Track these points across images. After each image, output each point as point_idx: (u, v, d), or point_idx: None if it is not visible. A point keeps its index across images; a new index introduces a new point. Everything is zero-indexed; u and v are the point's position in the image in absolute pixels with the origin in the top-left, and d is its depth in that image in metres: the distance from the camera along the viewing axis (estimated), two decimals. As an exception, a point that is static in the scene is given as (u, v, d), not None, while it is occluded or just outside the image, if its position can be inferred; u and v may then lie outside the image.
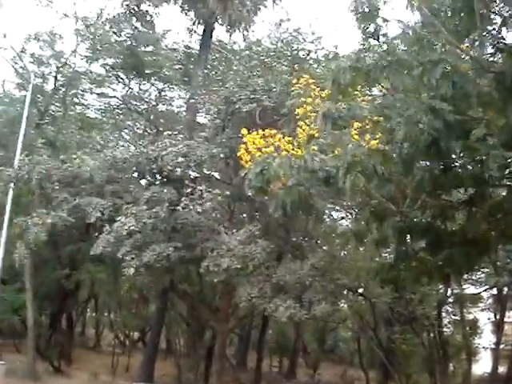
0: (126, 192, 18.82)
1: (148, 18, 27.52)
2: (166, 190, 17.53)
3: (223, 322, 19.95)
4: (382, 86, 8.87)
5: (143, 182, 19.70)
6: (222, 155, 17.82)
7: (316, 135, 8.61)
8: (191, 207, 16.76)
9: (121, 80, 29.70)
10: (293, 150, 8.63)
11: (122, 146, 18.83)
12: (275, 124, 13.33)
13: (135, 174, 19.76)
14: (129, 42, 27.83)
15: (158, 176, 18.80)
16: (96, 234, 17.48)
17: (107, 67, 28.87)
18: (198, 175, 18.30)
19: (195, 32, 27.36)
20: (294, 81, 9.70)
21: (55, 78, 26.66)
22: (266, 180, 8.59)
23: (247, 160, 8.97)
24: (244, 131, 9.09)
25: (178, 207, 17.00)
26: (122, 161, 18.54)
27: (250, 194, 9.83)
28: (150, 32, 27.87)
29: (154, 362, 23.54)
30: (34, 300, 23.15)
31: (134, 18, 27.37)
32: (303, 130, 8.84)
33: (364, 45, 9.12)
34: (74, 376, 24.63)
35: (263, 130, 9.00)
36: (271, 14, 35.65)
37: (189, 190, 17.36)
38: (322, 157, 8.39)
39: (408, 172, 8.82)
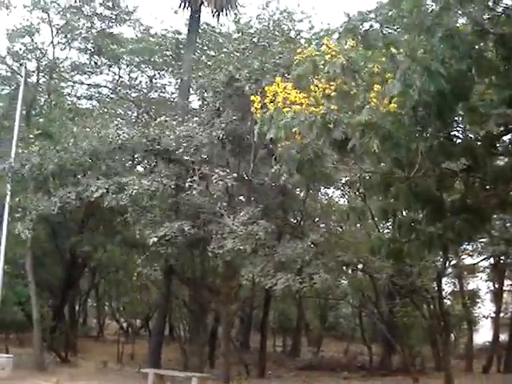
0: (128, 171, 18.84)
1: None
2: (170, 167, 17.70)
3: (227, 304, 20.11)
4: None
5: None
6: (220, 136, 17.70)
7: (332, 94, 8.42)
8: (195, 187, 16.87)
9: (100, 66, 29.52)
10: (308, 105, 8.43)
11: (118, 129, 18.56)
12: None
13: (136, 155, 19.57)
14: (97, 25, 27.68)
15: (159, 157, 18.82)
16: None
17: (83, 53, 28.77)
18: (193, 159, 18.21)
19: (182, 16, 27.03)
20: (299, 50, 9.58)
21: (37, 69, 26.57)
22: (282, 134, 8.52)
23: (258, 108, 9.01)
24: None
25: (185, 186, 17.16)
26: (122, 141, 18.33)
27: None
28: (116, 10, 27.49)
29: (161, 348, 23.70)
30: (37, 292, 23.19)
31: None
32: (318, 87, 8.57)
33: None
34: (80, 365, 24.73)
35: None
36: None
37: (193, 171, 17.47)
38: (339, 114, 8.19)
39: (420, 137, 8.77)
